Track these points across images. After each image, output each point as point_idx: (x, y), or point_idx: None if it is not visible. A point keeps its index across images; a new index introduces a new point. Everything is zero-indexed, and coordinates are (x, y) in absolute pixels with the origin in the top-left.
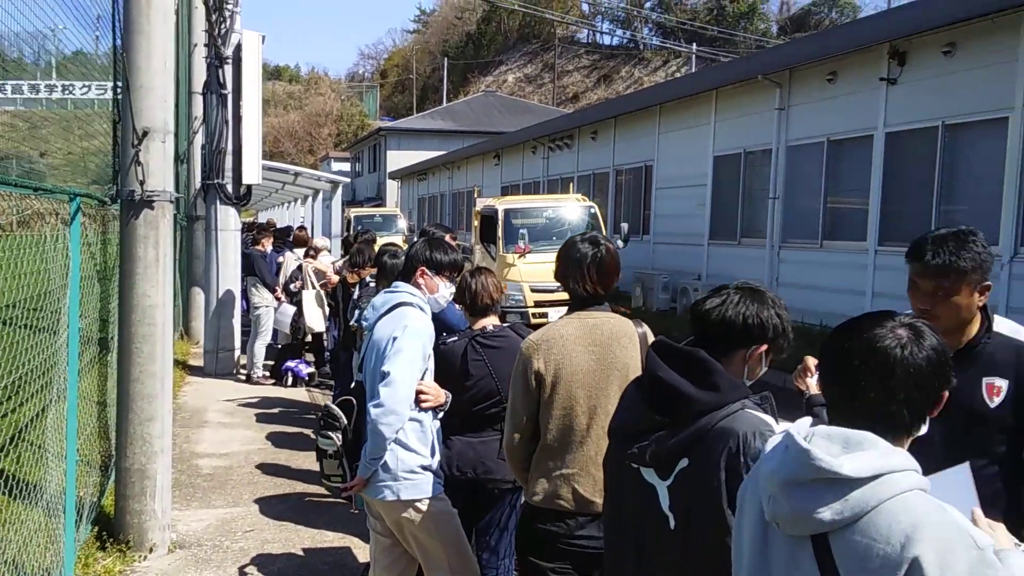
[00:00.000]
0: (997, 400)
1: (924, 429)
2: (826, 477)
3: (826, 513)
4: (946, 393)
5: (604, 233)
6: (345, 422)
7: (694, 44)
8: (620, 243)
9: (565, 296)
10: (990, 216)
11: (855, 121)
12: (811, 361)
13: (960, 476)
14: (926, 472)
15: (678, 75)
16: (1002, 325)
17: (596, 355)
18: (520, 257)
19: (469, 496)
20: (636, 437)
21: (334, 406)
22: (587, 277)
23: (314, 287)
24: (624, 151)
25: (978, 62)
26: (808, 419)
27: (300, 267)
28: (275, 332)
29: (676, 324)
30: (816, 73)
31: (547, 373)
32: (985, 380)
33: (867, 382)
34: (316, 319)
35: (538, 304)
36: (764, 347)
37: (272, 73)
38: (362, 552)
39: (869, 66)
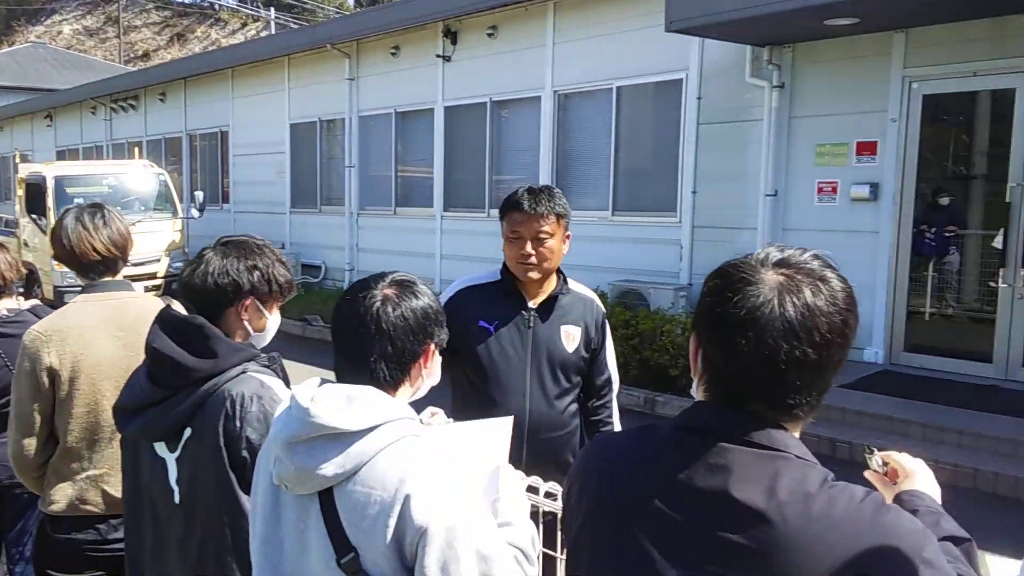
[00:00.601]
0: (573, 345)
1: (432, 380)
2: (327, 433)
3: (329, 468)
4: (430, 347)
5: (179, 202)
6: None
7: (272, 9)
8: (196, 212)
9: (132, 271)
10: (532, 184)
11: (418, 94)
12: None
13: (502, 427)
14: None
15: None
16: (575, 285)
17: (122, 341)
18: None
19: None
20: (142, 412)
21: None
22: (97, 238)
23: None
24: (197, 115)
25: (516, 45)
26: (317, 379)
27: None
28: None
29: None
30: (381, 46)
31: (63, 368)
32: (563, 328)
33: (354, 337)
34: None
35: None
36: (248, 300)
37: None
38: None
39: (427, 43)
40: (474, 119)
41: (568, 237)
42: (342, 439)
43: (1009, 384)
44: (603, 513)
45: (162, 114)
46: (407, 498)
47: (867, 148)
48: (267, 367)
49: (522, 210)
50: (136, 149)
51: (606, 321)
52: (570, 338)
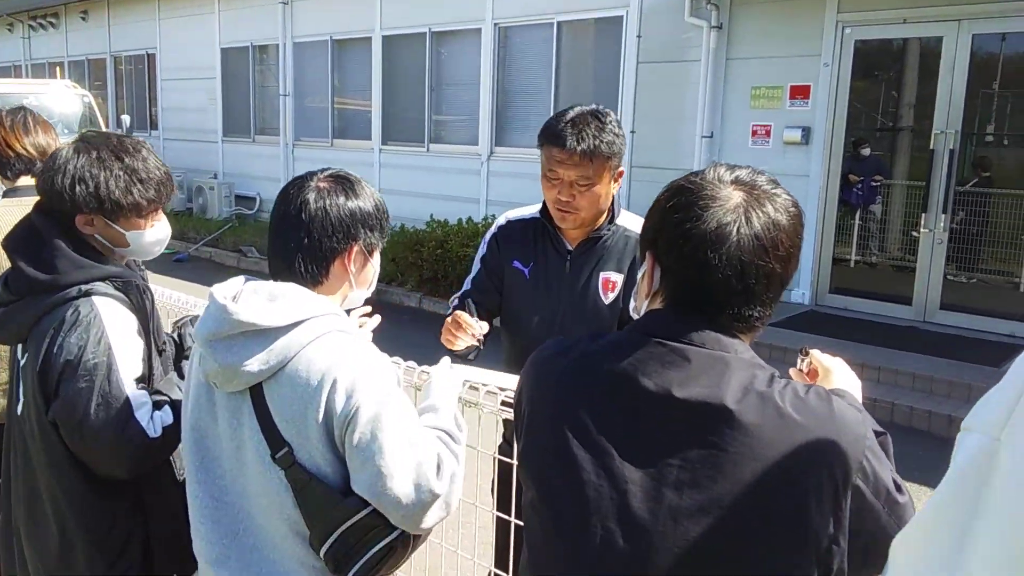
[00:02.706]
0: (611, 295)
1: (363, 289)
2: (249, 330)
3: (253, 364)
4: (353, 248)
5: (105, 126)
6: None
7: None
8: None
9: None
10: (472, 119)
11: (355, 22)
12: None
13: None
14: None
15: None
16: (626, 218)
17: None
18: None
19: None
20: None
21: None
22: (14, 136)
23: None
24: (122, 36)
25: None
26: (242, 278)
27: None
28: None
29: (193, 225)
30: None
31: None
32: (602, 275)
33: (280, 226)
34: None
35: None
36: (83, 219)
37: None
38: None
39: None
40: (413, 50)
41: (620, 174)
42: (265, 335)
43: (927, 326)
44: (553, 410)
45: (84, 34)
46: (333, 384)
47: (800, 92)
48: (121, 289)
49: (563, 146)
50: (57, 69)
51: None
52: (608, 287)
